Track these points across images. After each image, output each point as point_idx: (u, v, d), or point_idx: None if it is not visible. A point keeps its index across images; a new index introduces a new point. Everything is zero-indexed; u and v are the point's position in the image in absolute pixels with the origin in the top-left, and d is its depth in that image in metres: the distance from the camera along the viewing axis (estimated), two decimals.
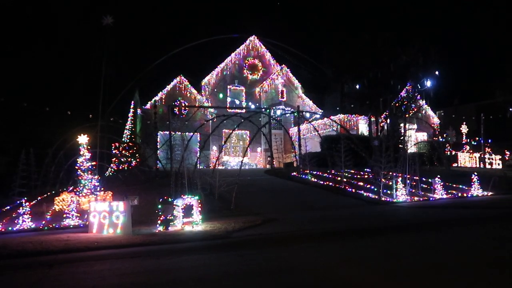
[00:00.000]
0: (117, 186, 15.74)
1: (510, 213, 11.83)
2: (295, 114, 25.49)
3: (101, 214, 9.48)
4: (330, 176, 18.82)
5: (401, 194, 14.98)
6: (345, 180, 17.42)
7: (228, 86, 31.99)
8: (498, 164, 25.81)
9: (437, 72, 26.29)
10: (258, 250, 7.65)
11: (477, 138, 27.35)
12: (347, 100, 27.67)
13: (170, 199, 10.00)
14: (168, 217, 9.66)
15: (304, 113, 28.48)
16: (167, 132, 23.71)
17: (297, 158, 22.07)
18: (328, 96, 32.89)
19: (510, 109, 29.62)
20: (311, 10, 68.74)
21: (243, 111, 28.20)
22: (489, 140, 26.66)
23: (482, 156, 26.10)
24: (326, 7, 71.03)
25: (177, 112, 27.37)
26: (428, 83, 26.13)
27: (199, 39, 24.52)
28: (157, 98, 28.28)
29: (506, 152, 25.41)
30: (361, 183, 17.21)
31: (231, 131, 20.82)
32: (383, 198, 14.91)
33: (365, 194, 15.61)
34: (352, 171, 19.37)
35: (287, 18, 65.12)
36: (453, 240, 7.92)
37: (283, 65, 32.56)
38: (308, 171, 19.72)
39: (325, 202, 14.74)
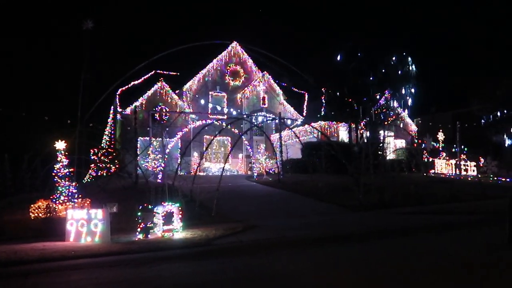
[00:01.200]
0: (95, 193, 15.43)
1: (479, 219, 12.15)
2: (277, 120, 25.65)
3: (79, 222, 9.27)
4: (311, 182, 18.92)
5: (380, 201, 15.17)
6: (325, 186, 17.56)
7: (210, 92, 31.96)
8: (473, 171, 26.54)
9: (415, 81, 26.95)
10: (239, 257, 7.63)
11: (454, 146, 28.12)
12: (328, 107, 28.05)
13: (150, 206, 9.88)
14: (148, 225, 9.53)
15: (285, 119, 28.67)
16: (147, 138, 23.49)
17: (279, 164, 22.16)
18: (309, 103, 33.27)
19: (484, 117, 30.59)
20: (293, 18, 69.58)
21: (225, 117, 28.20)
22: (464, 148, 27.45)
23: (458, 163, 26.80)
24: (308, 16, 72.06)
25: (158, 118, 27.12)
26: (406, 92, 26.77)
27: (181, 45, 24.43)
28: (137, 103, 27.97)
29: (481, 159, 26.17)
30: (342, 190, 17.37)
31: (212, 137, 20.75)
32: (362, 204, 15.08)
33: (344, 200, 15.74)
34: (332, 178, 19.55)
35: (269, 26, 65.68)
36: (429, 245, 8.09)
37: (265, 71, 32.77)
38: (289, 174, 19.82)
39: (306, 208, 14.81)
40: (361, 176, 15.90)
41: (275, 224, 11.67)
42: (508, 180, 22.43)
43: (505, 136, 29.52)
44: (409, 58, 26.94)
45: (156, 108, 27.81)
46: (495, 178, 23.16)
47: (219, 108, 31.30)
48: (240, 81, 32.76)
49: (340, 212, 14.32)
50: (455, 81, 45.96)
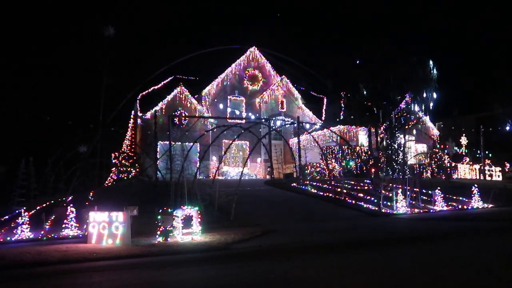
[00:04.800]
0: (116, 196, 15.69)
1: (508, 226, 11.79)
2: (295, 124, 25.56)
3: (101, 224, 9.44)
4: (330, 187, 18.78)
5: (401, 206, 14.93)
6: (345, 191, 17.37)
7: (228, 97, 32.09)
8: (498, 176, 25.81)
9: (436, 84, 26.42)
10: (258, 262, 7.60)
11: (478, 151, 27.41)
12: (347, 111, 27.77)
13: (169, 210, 9.97)
14: (167, 228, 9.62)
15: (304, 124, 28.52)
16: (167, 142, 23.76)
17: (297, 168, 22.04)
18: (328, 107, 33.02)
19: (509, 121, 29.70)
20: (312, 22, 69.40)
21: (243, 121, 28.26)
22: (488, 152, 26.73)
23: (482, 168, 26.10)
24: (327, 20, 71.78)
25: (177, 122, 27.40)
26: (427, 95, 26.26)
27: (199, 50, 24.72)
28: (157, 108, 28.33)
29: (506, 164, 25.42)
30: (361, 195, 17.16)
31: (231, 142, 20.84)
32: (383, 210, 14.86)
33: (365, 205, 15.56)
34: (352, 182, 19.34)
35: (287, 30, 65.68)
36: (454, 253, 7.88)
37: (283, 76, 32.70)
38: (308, 182, 19.68)
39: (325, 213, 14.69)
40: (382, 180, 15.68)
41: (294, 229, 11.61)
42: None
43: None
44: (430, 60, 26.42)
45: (176, 113, 28.11)
46: None
47: (237, 112, 31.40)
48: (258, 86, 32.79)
49: (360, 217, 14.15)
50: (478, 84, 44.86)
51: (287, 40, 57.61)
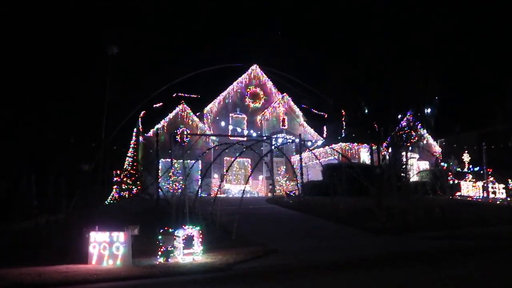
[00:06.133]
0: (117, 215, 15.61)
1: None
2: (297, 141, 25.60)
3: (101, 245, 9.36)
4: (332, 205, 18.62)
5: (403, 224, 14.76)
6: (347, 209, 17.22)
7: (230, 114, 32.30)
8: (502, 193, 25.61)
9: (437, 101, 26.50)
10: (260, 283, 7.52)
11: (482, 168, 27.30)
12: (348, 129, 27.86)
13: (170, 230, 9.90)
14: (168, 248, 9.53)
15: (305, 141, 28.57)
16: (169, 160, 23.76)
17: (299, 186, 21.97)
18: (330, 125, 33.14)
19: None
20: (313, 40, 70.20)
21: (245, 139, 28.33)
22: (491, 169, 26.61)
23: (486, 185, 25.95)
24: (327, 38, 72.64)
25: (179, 140, 27.49)
26: (429, 112, 26.33)
27: (201, 67, 24.91)
28: (159, 126, 28.49)
29: (510, 181, 25.25)
30: (363, 213, 17.00)
31: (232, 159, 20.80)
32: (386, 228, 14.69)
33: (367, 224, 15.39)
34: (354, 200, 19.18)
35: (288, 48, 66.40)
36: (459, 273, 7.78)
37: (285, 93, 32.97)
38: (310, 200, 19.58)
39: (328, 231, 14.56)
40: (384, 198, 15.57)
41: (296, 248, 11.49)
42: None
43: None
44: (431, 77, 26.57)
45: (177, 131, 28.23)
46: None
47: (239, 130, 31.54)
48: (260, 103, 33.03)
49: (363, 236, 14.00)
50: (480, 100, 45.02)
51: (288, 58, 58.20)
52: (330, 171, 22.37)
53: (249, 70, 33.22)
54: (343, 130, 28.93)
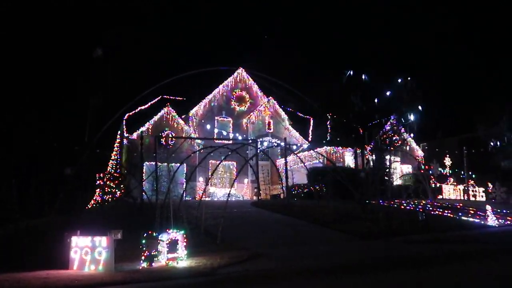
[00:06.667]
0: (100, 219, 15.37)
1: (493, 248, 11.89)
2: (282, 144, 25.66)
3: (83, 250, 9.20)
4: (317, 208, 18.72)
5: (388, 228, 14.92)
6: (332, 213, 17.33)
7: (216, 117, 32.21)
8: (482, 196, 26.19)
9: (420, 106, 26.99)
10: None
11: (462, 172, 27.89)
12: (333, 133, 28.12)
13: (154, 234, 9.80)
14: (152, 253, 9.44)
15: (291, 145, 28.67)
16: (153, 163, 23.52)
17: (284, 190, 22.02)
18: (315, 128, 33.38)
19: (492, 142, 30.41)
20: (300, 44, 70.70)
21: (230, 142, 28.26)
22: (472, 173, 27.20)
23: (466, 188, 26.48)
24: (313, 43, 73.29)
25: (164, 143, 27.28)
26: (412, 117, 26.80)
27: (187, 70, 24.83)
28: (144, 128, 28.20)
29: (489, 185, 25.84)
30: (347, 217, 17.12)
31: (218, 163, 20.79)
32: (372, 232, 14.82)
33: (352, 228, 15.50)
34: (338, 204, 19.32)
35: (274, 52, 66.70)
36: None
37: (270, 97, 33.07)
38: (294, 202, 19.64)
39: (312, 235, 14.60)
40: (368, 202, 15.73)
41: (280, 253, 11.49)
42: None
43: None
44: (414, 83, 27.07)
45: (162, 133, 28.00)
46: (504, 204, 22.76)
47: (224, 133, 31.48)
48: (245, 106, 33.04)
49: (347, 240, 14.09)
50: (461, 106, 46.07)
51: (274, 62, 58.43)
52: (315, 174, 22.51)
53: (235, 74, 33.23)
54: (328, 134, 29.18)
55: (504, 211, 18.68)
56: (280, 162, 28.32)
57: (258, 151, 24.68)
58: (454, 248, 11.93)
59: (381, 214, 15.24)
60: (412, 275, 8.24)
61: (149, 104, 29.99)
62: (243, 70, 33.30)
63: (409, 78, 26.35)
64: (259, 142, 27.88)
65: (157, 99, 30.36)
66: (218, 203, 21.09)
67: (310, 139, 33.49)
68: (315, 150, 25.34)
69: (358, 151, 23.24)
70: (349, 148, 26.82)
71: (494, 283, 7.35)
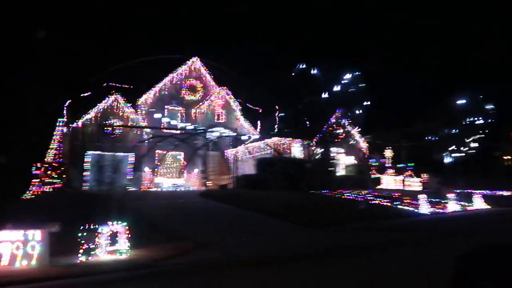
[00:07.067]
0: (36, 211, 14.58)
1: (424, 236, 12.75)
2: (233, 136, 25.74)
3: (14, 244, 8.69)
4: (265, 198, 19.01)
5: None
6: (278, 202, 17.67)
7: (166, 106, 31.45)
8: (418, 186, 27.94)
9: (366, 100, 28.17)
10: (186, 279, 7.47)
11: (401, 163, 29.51)
12: (282, 124, 28.59)
13: (93, 226, 9.47)
14: (90, 246, 9.12)
15: (240, 135, 28.77)
16: (98, 152, 22.63)
17: (233, 180, 22.11)
18: (265, 120, 33.73)
19: (429, 136, 32.47)
20: (254, 35, 70.57)
21: (180, 132, 27.83)
22: (410, 165, 28.89)
23: (404, 178, 28.10)
24: (267, 36, 73.45)
25: (109, 131, 26.25)
26: (357, 110, 27.92)
27: (137, 57, 24.05)
28: (89, 116, 26.92)
29: (425, 176, 27.59)
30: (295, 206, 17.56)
31: (166, 152, 20.43)
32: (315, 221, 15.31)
33: (298, 217, 15.91)
34: (285, 193, 19.75)
35: (228, 42, 66.17)
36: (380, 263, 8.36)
37: (222, 87, 32.85)
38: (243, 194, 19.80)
39: (259, 225, 14.81)
40: (314, 192, 16.22)
41: (227, 243, 11.56)
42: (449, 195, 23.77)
43: (446, 155, 31.45)
44: (361, 79, 28.18)
45: (108, 122, 26.93)
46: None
47: (174, 122, 30.89)
48: (197, 96, 32.57)
49: (293, 229, 14.44)
50: (404, 101, 48.58)
51: (228, 53, 57.98)
52: (264, 165, 22.80)
53: (189, 62, 32.60)
54: (276, 126, 29.62)
55: (436, 200, 20.07)
56: (230, 152, 28.37)
57: (208, 142, 24.55)
58: (392, 236, 12.68)
59: (325, 203, 15.78)
60: (354, 262, 8.63)
61: (95, 90, 28.66)
62: (198, 59, 32.77)
63: (355, 74, 27.38)
64: (209, 133, 27.72)
65: (104, 85, 29.08)
66: (165, 193, 20.80)
67: (259, 130, 33.80)
68: (264, 141, 25.63)
69: (305, 143, 23.85)
70: (297, 139, 27.43)
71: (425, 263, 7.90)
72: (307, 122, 24.98)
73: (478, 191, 22.26)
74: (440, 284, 4.06)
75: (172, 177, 28.70)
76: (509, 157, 42.23)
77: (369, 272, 7.44)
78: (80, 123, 26.37)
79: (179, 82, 32.02)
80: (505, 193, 23.95)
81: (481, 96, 31.78)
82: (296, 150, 27.70)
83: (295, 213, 16.32)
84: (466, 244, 3.59)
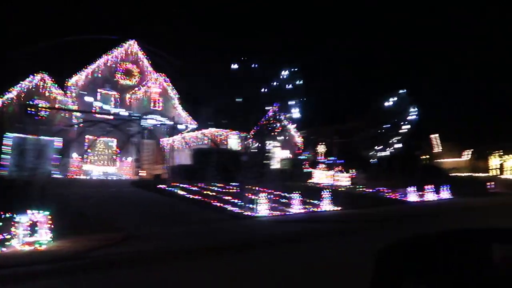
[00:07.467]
0: None
1: (353, 227, 13.60)
2: (169, 125, 25.17)
3: None
4: (199, 189, 18.97)
5: (263, 209, 15.90)
6: (213, 194, 17.75)
7: (99, 90, 29.88)
8: (346, 181, 29.54)
9: (302, 96, 29.07)
10: (114, 272, 7.24)
11: (332, 158, 30.95)
12: (220, 115, 28.56)
13: (9, 215, 8.77)
14: (6, 236, 8.45)
15: (177, 124, 28.25)
16: (21, 135, 20.92)
17: (168, 170, 21.70)
18: (203, 110, 33.45)
19: (358, 134, 34.39)
20: (197, 23, 69.18)
21: (113, 117, 26.62)
22: (340, 160, 30.42)
23: (334, 173, 29.54)
24: (210, 24, 72.42)
25: (33, 112, 24.33)
26: (294, 106, 28.73)
27: (71, 36, 22.45)
28: (10, 95, 24.71)
29: (353, 171, 29.23)
30: (228, 197, 17.74)
31: (97, 138, 19.45)
32: (247, 213, 15.61)
33: (231, 208, 16.12)
34: (221, 185, 19.87)
35: (169, 29, 64.15)
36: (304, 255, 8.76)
37: (161, 74, 31.94)
38: (177, 184, 19.54)
39: (192, 216, 14.74)
40: (249, 184, 16.46)
41: (159, 233, 11.37)
42: (372, 191, 25.50)
43: (372, 152, 33.60)
44: (299, 75, 28.98)
45: (32, 102, 24.94)
46: (363, 189, 26.09)
47: (107, 107, 29.45)
48: (133, 81, 31.34)
49: (226, 219, 14.59)
50: (337, 99, 50.92)
51: (168, 39, 56.32)
52: (200, 156, 22.64)
53: (126, 45, 31.19)
54: (215, 116, 29.53)
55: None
56: (166, 141, 27.75)
57: (143, 129, 23.79)
58: (316, 227, 13.34)
59: (258, 196, 16.10)
60: (278, 252, 8.94)
61: (18, 68, 26.35)
62: (135, 42, 31.45)
63: (294, 69, 28.10)
64: (144, 120, 26.85)
65: (29, 63, 26.82)
66: (95, 182, 19.87)
67: (197, 120, 33.45)
68: (202, 131, 25.43)
69: (242, 135, 24.06)
70: (234, 131, 27.59)
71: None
72: (245, 115, 25.23)
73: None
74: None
75: (103, 165, 27.41)
76: (427, 157, 46.33)
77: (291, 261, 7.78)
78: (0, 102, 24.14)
79: (114, 65, 30.57)
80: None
81: (406, 98, 34.31)
82: (233, 142, 27.87)
83: (229, 204, 16.49)
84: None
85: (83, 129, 20.57)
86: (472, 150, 51.60)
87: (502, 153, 50.43)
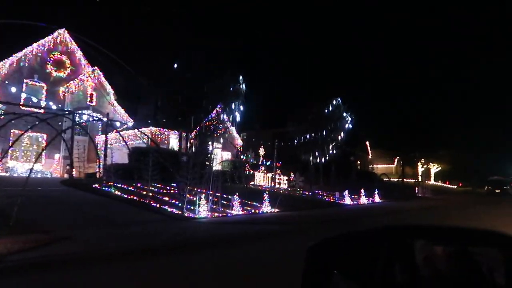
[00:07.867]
0: None
1: (291, 229, 13.90)
2: (104, 121, 23.90)
3: None
4: (136, 189, 18.24)
5: (203, 210, 15.66)
6: (151, 194, 17.16)
7: (25, 80, 27.65)
8: (285, 184, 30.19)
9: (244, 99, 29.21)
10: (38, 275, 6.66)
11: (272, 161, 31.42)
12: (161, 114, 27.74)
13: None
14: None
15: (114, 121, 26.96)
16: None
17: (102, 168, 20.59)
18: (142, 107, 32.28)
19: (298, 138, 35.35)
20: (138, 19, 66.70)
21: (42, 111, 24.74)
22: (279, 163, 31.03)
23: (274, 176, 30.05)
24: (153, 22, 70.23)
25: None
26: (235, 108, 28.77)
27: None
28: None
29: (292, 174, 29.95)
30: (167, 198, 17.26)
31: (23, 133, 17.88)
32: (186, 214, 15.27)
33: (169, 209, 15.66)
34: (159, 186, 19.27)
35: (105, 20, 61.17)
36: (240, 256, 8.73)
37: (96, 67, 30.30)
38: (112, 184, 18.61)
39: (128, 217, 14.11)
40: (187, 185, 16.11)
41: (91, 235, 10.70)
42: (310, 194, 26.33)
43: (311, 156, 34.71)
44: (241, 77, 29.11)
45: None
46: (301, 192, 26.84)
47: (35, 99, 27.30)
48: (65, 73, 29.41)
49: (164, 221, 14.14)
50: (278, 103, 52.05)
51: (105, 30, 53.64)
52: (137, 155, 21.77)
53: (55, 34, 29.16)
54: (154, 115, 28.64)
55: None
56: (100, 138, 26.36)
57: (75, 125, 22.35)
58: (256, 229, 13.44)
59: (198, 197, 15.85)
60: (222, 253, 8.84)
61: None
62: (66, 31, 29.50)
63: (236, 72, 28.19)
64: (77, 115, 25.25)
65: None
66: (19, 179, 18.25)
67: (135, 117, 32.20)
68: (140, 129, 24.51)
69: (183, 135, 23.57)
70: (175, 131, 26.94)
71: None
72: (187, 115, 24.75)
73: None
74: None
75: (29, 161, 25.31)
76: (359, 162, 48.99)
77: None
78: None
79: (41, 55, 28.47)
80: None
81: (340, 106, 35.92)
82: (174, 141, 27.21)
83: (167, 205, 16.05)
84: None
85: (6, 122, 18.79)
86: (398, 157, 55.65)
87: (425, 161, 55.11)
